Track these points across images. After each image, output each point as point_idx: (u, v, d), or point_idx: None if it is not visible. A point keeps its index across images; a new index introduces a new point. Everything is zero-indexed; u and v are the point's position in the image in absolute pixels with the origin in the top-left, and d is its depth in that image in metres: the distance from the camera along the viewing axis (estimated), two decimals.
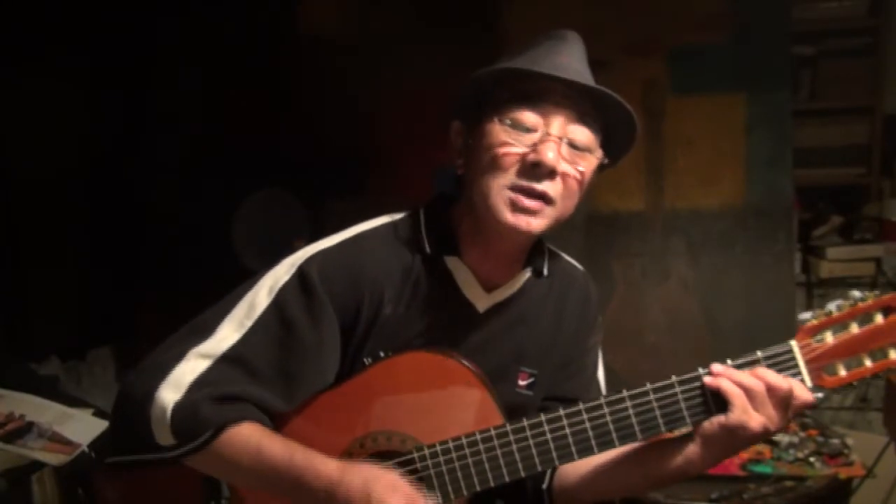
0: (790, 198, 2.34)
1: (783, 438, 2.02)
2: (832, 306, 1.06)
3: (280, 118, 2.54)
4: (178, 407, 1.02)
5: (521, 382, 1.21)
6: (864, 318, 1.05)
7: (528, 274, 1.22)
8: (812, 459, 1.93)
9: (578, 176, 1.08)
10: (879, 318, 1.05)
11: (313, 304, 1.08)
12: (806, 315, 1.07)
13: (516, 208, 1.06)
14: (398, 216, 1.21)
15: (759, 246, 2.33)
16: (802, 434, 2.07)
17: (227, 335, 1.07)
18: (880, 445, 2.09)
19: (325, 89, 2.48)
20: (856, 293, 1.06)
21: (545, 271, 1.23)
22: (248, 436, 1.05)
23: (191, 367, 1.05)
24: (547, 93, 1.07)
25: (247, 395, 1.06)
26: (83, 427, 1.83)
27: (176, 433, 1.03)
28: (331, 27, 2.54)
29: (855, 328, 1.05)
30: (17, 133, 2.46)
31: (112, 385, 2.41)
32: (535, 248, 1.23)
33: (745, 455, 1.96)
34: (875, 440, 2.17)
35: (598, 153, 1.11)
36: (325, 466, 1.03)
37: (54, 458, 1.75)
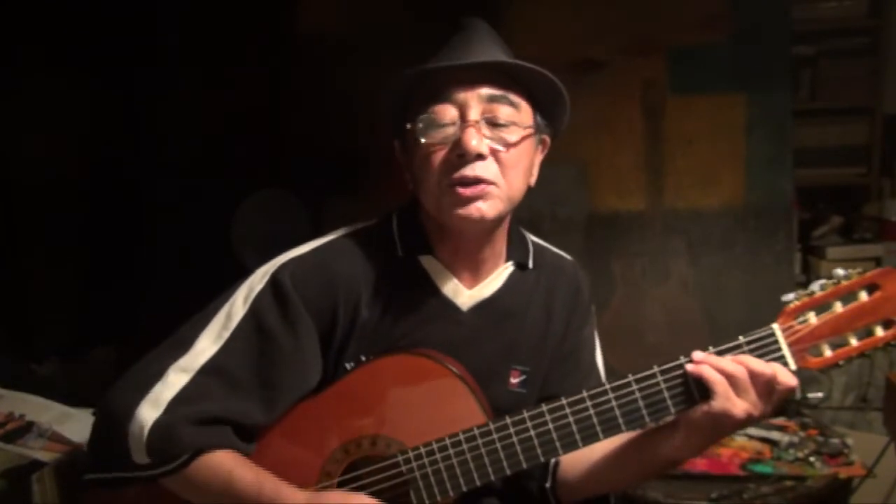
0: (790, 198, 2.34)
1: (783, 438, 2.02)
2: (815, 286, 1.04)
3: (280, 118, 2.54)
4: (156, 426, 1.02)
5: (513, 381, 1.20)
6: (848, 296, 1.03)
7: (510, 268, 1.21)
8: (812, 459, 1.93)
9: (509, 149, 1.07)
10: (864, 296, 1.02)
11: (288, 311, 1.08)
12: (789, 296, 1.04)
13: (460, 201, 1.06)
14: (372, 221, 1.22)
15: (759, 246, 2.33)
16: (802, 434, 2.07)
17: (205, 347, 1.08)
18: (880, 445, 2.09)
19: (324, 89, 2.48)
20: (839, 271, 1.04)
21: (530, 264, 1.22)
22: (221, 463, 1.05)
23: (170, 383, 1.04)
24: (453, 84, 1.07)
25: (226, 414, 1.05)
26: (83, 427, 1.82)
27: (151, 453, 1.02)
28: (330, 26, 2.53)
29: (839, 307, 1.02)
30: (17, 133, 2.46)
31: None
32: (516, 241, 1.22)
33: (745, 455, 1.96)
34: (875, 440, 2.16)
35: (528, 124, 1.10)
36: (294, 498, 1.03)
37: (54, 458, 1.75)
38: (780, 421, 2.14)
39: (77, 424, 1.83)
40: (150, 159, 2.59)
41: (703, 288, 2.36)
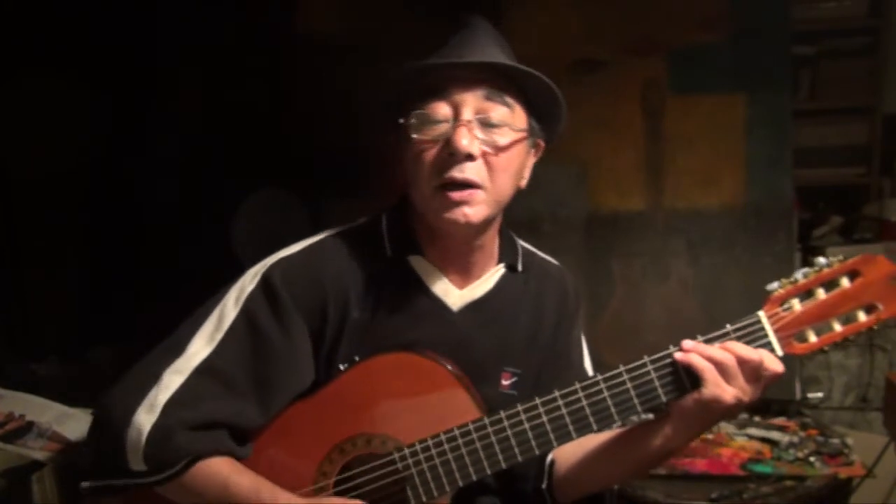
0: (790, 198, 2.34)
1: (783, 438, 2.02)
2: (798, 274, 1.07)
3: (280, 118, 2.54)
4: (153, 431, 1.02)
5: (505, 382, 1.21)
6: (831, 283, 1.06)
7: (501, 270, 1.21)
8: (812, 459, 1.93)
9: (499, 153, 1.07)
10: (846, 283, 1.05)
11: (280, 310, 1.09)
12: (773, 285, 1.07)
13: (447, 205, 1.06)
14: (361, 221, 1.22)
15: (759, 246, 2.33)
16: (802, 434, 2.07)
17: (198, 349, 1.08)
18: (880, 445, 2.09)
19: (324, 89, 2.48)
20: (821, 259, 1.07)
21: (519, 266, 1.23)
22: (218, 469, 1.05)
23: (164, 386, 1.04)
24: (450, 81, 1.06)
25: (222, 417, 1.05)
26: (83, 427, 1.82)
27: (148, 460, 1.02)
28: (330, 26, 2.53)
29: (822, 294, 1.05)
30: (17, 133, 2.46)
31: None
32: (507, 244, 1.23)
33: (745, 455, 1.96)
34: (875, 440, 2.16)
35: (521, 127, 1.10)
36: (291, 502, 1.03)
37: (54, 458, 1.75)
38: (780, 421, 2.14)
39: (77, 424, 1.83)
40: (150, 159, 2.58)
41: (703, 288, 2.36)
